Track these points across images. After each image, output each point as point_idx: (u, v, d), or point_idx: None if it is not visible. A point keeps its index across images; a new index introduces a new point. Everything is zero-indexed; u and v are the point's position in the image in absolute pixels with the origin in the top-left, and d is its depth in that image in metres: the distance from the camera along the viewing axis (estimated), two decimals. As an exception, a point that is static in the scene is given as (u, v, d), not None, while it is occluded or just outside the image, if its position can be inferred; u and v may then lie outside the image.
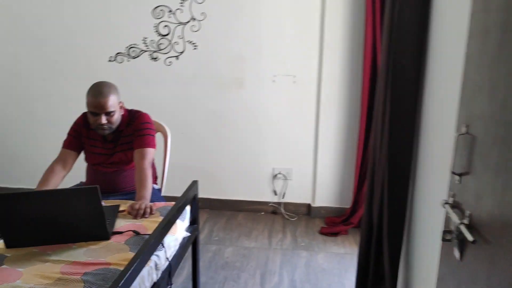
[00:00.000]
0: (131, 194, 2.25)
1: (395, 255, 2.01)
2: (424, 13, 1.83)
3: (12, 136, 3.73)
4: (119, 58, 3.47)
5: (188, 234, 1.99)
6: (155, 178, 2.54)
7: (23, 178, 3.78)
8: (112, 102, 2.13)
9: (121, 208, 1.98)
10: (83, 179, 2.44)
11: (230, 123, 3.49)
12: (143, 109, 3.46)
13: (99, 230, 1.69)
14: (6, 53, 3.57)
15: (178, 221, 1.88)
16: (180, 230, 1.89)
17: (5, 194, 1.60)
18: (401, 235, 2.02)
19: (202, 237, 3.16)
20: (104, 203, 2.05)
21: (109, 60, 3.48)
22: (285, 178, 3.53)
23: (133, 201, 2.00)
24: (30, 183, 3.85)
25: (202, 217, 3.50)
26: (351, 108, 3.31)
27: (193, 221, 2.13)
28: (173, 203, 2.07)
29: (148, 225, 1.83)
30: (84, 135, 2.29)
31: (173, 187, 3.35)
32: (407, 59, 1.88)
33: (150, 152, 2.24)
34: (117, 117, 2.19)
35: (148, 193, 2.07)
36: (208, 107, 3.48)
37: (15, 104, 3.67)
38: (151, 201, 2.17)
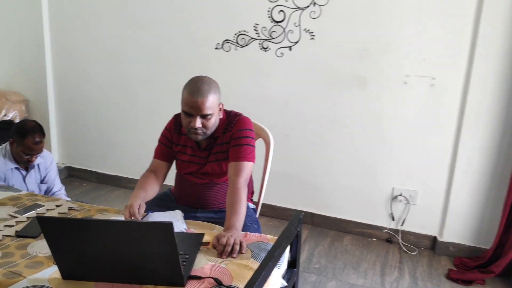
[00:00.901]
0: (222, 212, 1.84)
1: None
2: None
3: (113, 121, 3.59)
4: (226, 46, 3.10)
5: (285, 284, 1.52)
6: (251, 194, 2.11)
7: (120, 166, 3.66)
8: (211, 104, 1.73)
9: (205, 239, 1.58)
10: (172, 183, 2.10)
11: (345, 129, 2.94)
12: (247, 105, 3.08)
13: (172, 274, 1.29)
14: (111, 35, 3.41)
15: (273, 270, 1.41)
16: (274, 281, 1.43)
17: (65, 218, 1.30)
18: None
19: (300, 261, 2.67)
20: (187, 227, 1.68)
21: (216, 48, 3.13)
22: (407, 202, 2.89)
23: (221, 232, 1.57)
24: (126, 171, 3.71)
25: (302, 234, 3.01)
26: (506, 125, 2.56)
27: (292, 263, 1.65)
28: (269, 237, 1.63)
29: (235, 271, 1.40)
30: (175, 141, 1.93)
31: (271, 194, 2.92)
32: None
33: (247, 167, 1.80)
34: (214, 122, 1.78)
35: (240, 222, 1.64)
36: (320, 108, 2.97)
37: (116, 88, 3.50)
38: (244, 225, 1.75)
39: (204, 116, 1.74)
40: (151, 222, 1.20)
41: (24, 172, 2.46)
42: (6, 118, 3.40)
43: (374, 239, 3.01)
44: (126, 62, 3.42)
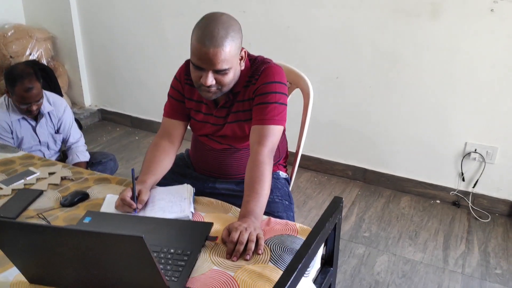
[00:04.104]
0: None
1: None
2: None
3: (144, 59, 3.23)
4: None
5: (315, 291, 1.17)
6: (284, 159, 1.72)
7: (154, 109, 3.35)
8: (228, 55, 1.29)
9: (214, 229, 1.23)
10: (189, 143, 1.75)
11: (408, 69, 2.41)
12: (289, 42, 2.60)
13: (154, 283, 0.98)
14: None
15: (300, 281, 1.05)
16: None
17: (15, 223, 1.02)
18: None
19: (347, 228, 2.32)
20: (194, 207, 1.34)
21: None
22: (483, 160, 2.38)
23: (234, 222, 1.21)
24: (160, 116, 3.38)
25: (352, 193, 2.63)
26: None
27: (328, 261, 1.29)
28: (298, 227, 1.26)
29: (245, 283, 1.05)
30: (186, 95, 1.54)
31: (317, 146, 2.55)
32: None
33: (274, 133, 1.40)
34: (232, 77, 1.36)
35: (260, 207, 1.27)
36: (378, 43, 2.43)
37: (145, 21, 3.11)
38: (271, 201, 1.40)
39: (219, 71, 1.32)
40: (122, 235, 0.86)
41: (33, 123, 2.21)
42: (32, 57, 3.14)
43: (438, 202, 2.55)
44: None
